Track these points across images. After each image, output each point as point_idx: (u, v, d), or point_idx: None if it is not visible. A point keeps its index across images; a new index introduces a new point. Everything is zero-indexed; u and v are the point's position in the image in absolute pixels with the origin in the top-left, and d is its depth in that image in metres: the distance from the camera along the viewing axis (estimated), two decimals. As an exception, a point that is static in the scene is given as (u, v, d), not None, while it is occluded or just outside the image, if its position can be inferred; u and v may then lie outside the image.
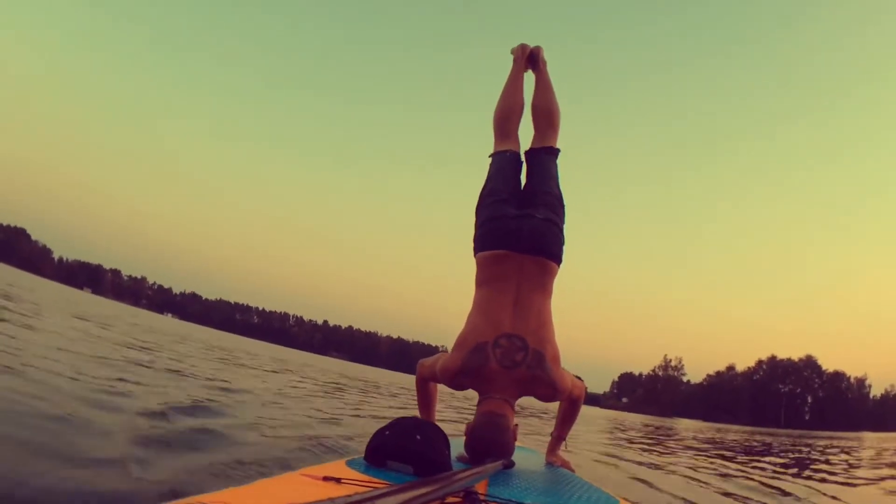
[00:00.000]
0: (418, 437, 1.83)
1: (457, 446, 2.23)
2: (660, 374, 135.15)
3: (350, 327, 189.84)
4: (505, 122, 3.01)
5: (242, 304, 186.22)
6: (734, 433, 31.05)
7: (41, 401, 3.58)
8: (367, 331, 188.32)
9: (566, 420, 2.87)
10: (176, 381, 6.79)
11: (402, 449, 1.81)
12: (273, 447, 3.80)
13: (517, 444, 2.43)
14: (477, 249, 2.63)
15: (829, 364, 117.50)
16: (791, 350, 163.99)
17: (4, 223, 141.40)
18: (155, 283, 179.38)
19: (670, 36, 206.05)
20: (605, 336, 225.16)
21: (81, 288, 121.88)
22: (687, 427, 36.17)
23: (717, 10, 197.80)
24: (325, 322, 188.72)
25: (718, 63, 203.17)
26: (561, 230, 2.64)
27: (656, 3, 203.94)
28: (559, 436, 2.92)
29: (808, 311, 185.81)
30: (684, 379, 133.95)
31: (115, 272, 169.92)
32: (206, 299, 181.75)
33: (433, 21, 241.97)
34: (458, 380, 2.40)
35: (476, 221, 2.72)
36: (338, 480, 1.46)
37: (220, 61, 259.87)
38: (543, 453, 3.02)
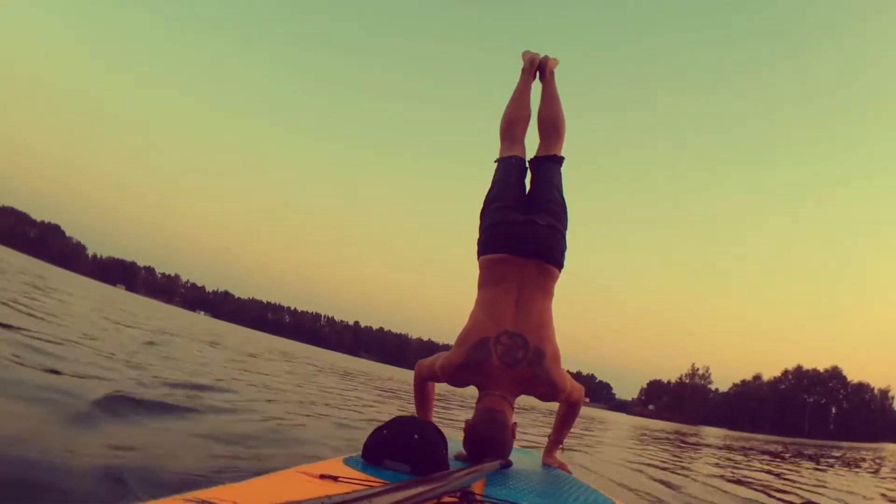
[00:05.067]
0: (416, 435, 1.84)
1: (454, 446, 2.25)
2: (687, 381, 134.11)
3: (381, 329, 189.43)
4: (511, 130, 3.08)
5: (275, 304, 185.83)
6: (757, 441, 30.80)
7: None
8: (398, 332, 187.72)
9: (564, 423, 2.89)
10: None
11: (400, 447, 1.82)
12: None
13: (514, 445, 2.43)
14: (480, 253, 2.69)
15: (854, 375, 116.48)
16: (817, 360, 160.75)
17: (39, 220, 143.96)
18: (188, 280, 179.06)
19: (710, 47, 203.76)
20: (635, 344, 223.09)
21: (115, 284, 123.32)
22: (710, 435, 35.81)
23: (758, 19, 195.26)
24: (357, 323, 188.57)
25: (758, 76, 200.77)
26: (563, 236, 2.69)
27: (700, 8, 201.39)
28: (557, 438, 2.94)
29: (835, 321, 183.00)
30: (711, 387, 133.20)
31: (149, 269, 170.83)
32: (239, 298, 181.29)
33: (457, 18, 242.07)
34: (458, 375, 2.43)
35: (480, 225, 2.77)
36: (335, 478, 1.47)
37: (262, 57, 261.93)
38: (540, 455, 3.03)
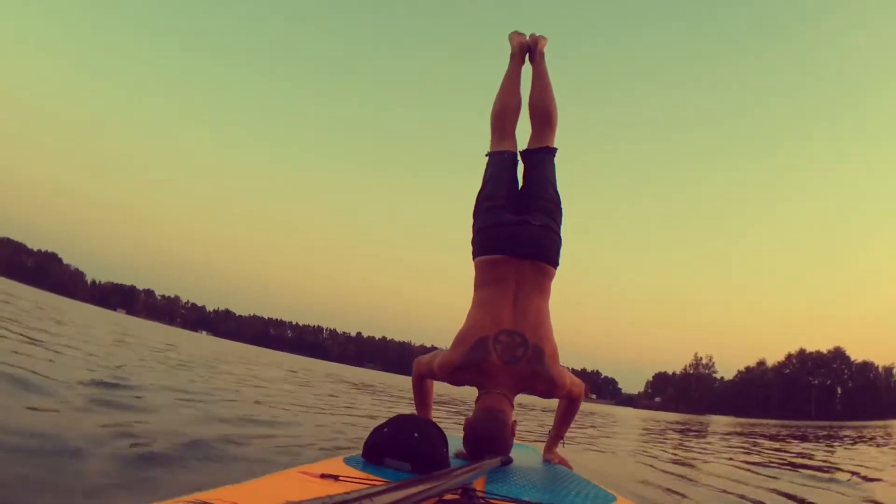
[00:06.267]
0: (416, 434, 1.84)
1: (455, 443, 2.24)
2: (691, 372, 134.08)
3: (384, 338, 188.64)
4: (502, 121, 3.00)
5: (276, 319, 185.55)
6: (764, 426, 30.85)
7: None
8: (401, 340, 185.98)
9: (565, 418, 2.88)
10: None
11: (400, 446, 1.82)
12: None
13: (515, 441, 2.44)
14: (476, 254, 2.67)
15: (857, 354, 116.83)
16: (820, 342, 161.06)
17: (36, 249, 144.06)
18: (188, 301, 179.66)
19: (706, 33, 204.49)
20: (638, 337, 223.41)
21: (115, 309, 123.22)
22: (717, 423, 35.81)
23: (750, 9, 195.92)
24: (359, 333, 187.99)
25: (754, 62, 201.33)
26: (558, 234, 2.68)
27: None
28: (557, 434, 2.94)
29: (835, 302, 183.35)
30: (716, 376, 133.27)
31: (149, 292, 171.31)
32: (240, 315, 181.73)
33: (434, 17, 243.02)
34: (457, 374, 2.42)
35: (474, 226, 2.74)
36: (336, 478, 1.47)
37: (254, 76, 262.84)
38: (541, 451, 3.04)
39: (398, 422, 1.92)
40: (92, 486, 2.38)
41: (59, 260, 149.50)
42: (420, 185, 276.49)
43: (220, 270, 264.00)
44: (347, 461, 1.84)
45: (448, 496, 1.32)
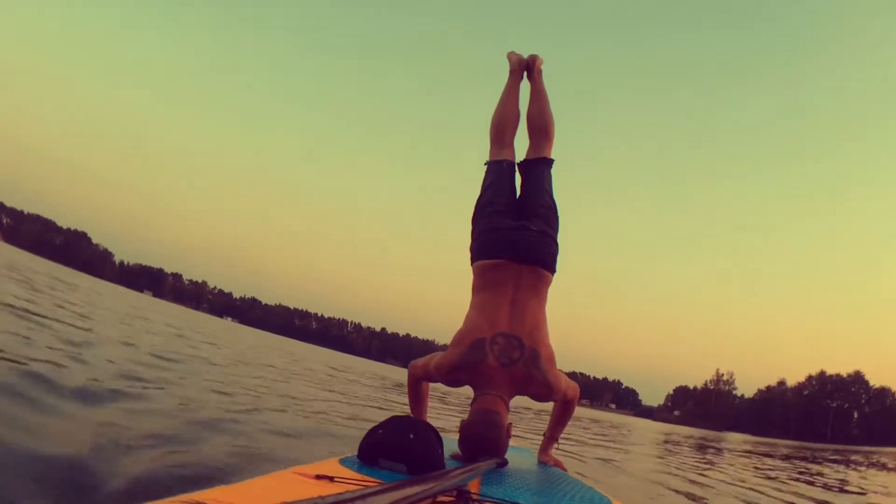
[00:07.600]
0: (411, 435, 1.84)
1: (450, 445, 2.24)
2: (712, 387, 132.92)
3: (408, 335, 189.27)
4: (501, 132, 3.10)
5: (301, 310, 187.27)
6: (776, 447, 30.59)
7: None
8: (425, 339, 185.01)
9: (559, 421, 2.90)
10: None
11: (396, 447, 1.82)
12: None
13: (510, 443, 2.44)
14: (474, 259, 2.71)
15: (876, 379, 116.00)
16: (841, 365, 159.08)
17: (66, 227, 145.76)
18: (216, 287, 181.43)
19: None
20: (661, 349, 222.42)
21: (142, 291, 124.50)
22: (732, 440, 35.48)
23: (787, 14, 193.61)
24: (384, 329, 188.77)
25: (787, 74, 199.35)
26: (555, 241, 2.72)
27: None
28: (552, 436, 2.95)
29: (858, 326, 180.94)
30: (736, 393, 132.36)
31: (177, 276, 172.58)
32: (266, 304, 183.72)
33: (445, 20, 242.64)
34: (454, 375, 2.44)
35: (473, 231, 2.80)
36: (330, 479, 1.47)
37: (300, 64, 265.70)
38: (536, 453, 3.04)
39: (393, 423, 1.91)
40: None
41: (89, 239, 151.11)
42: (451, 182, 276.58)
43: (249, 259, 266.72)
44: (343, 462, 1.83)
45: (443, 497, 1.33)
